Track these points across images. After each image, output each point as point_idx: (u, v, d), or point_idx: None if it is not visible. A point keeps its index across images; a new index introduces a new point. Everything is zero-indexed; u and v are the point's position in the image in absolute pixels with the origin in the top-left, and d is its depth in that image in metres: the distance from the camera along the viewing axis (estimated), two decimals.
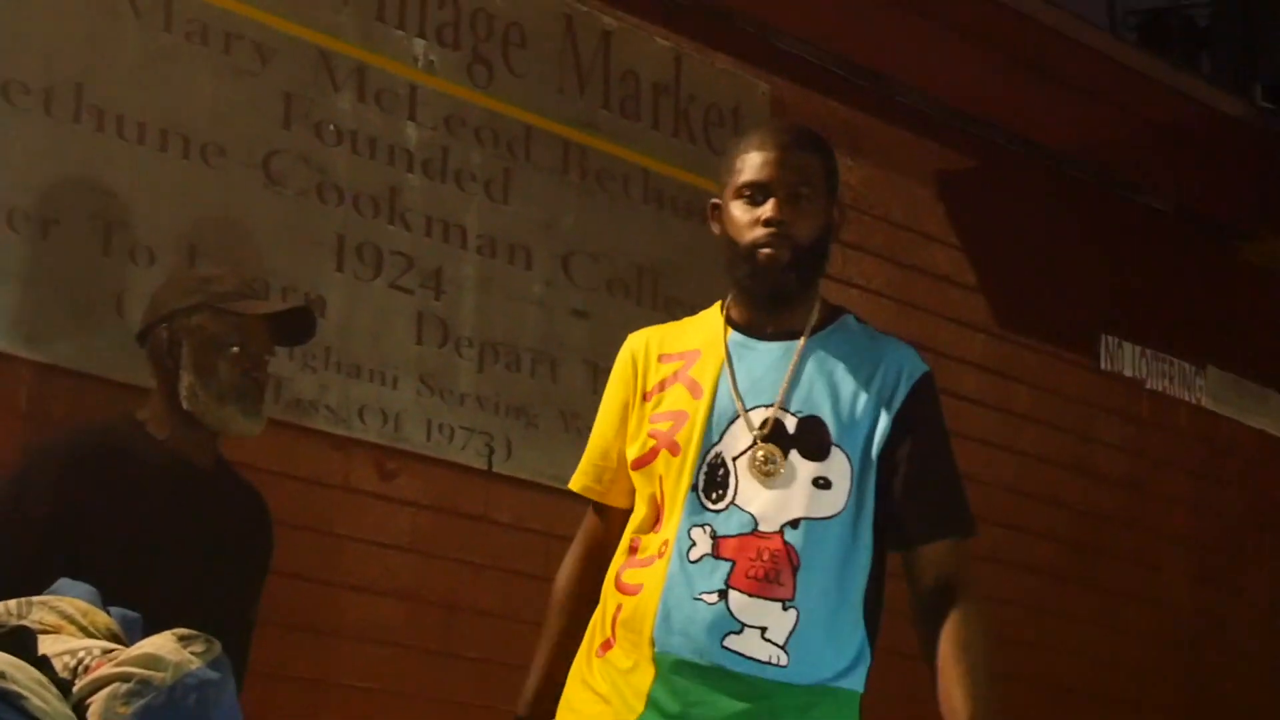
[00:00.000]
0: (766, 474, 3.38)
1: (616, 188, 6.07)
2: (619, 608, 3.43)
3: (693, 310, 3.67)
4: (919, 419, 3.47)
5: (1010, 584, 7.08)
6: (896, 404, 3.46)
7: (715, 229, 3.54)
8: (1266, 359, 8.33)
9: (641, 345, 3.59)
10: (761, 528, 3.38)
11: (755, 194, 3.45)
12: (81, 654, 2.92)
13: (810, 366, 3.46)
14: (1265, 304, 8.37)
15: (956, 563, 3.49)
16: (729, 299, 3.56)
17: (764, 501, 3.38)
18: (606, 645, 3.45)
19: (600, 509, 3.61)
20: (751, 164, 3.46)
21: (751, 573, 3.35)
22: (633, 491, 3.53)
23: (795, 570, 3.37)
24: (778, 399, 3.43)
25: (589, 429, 3.67)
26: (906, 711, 3.49)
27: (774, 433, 3.41)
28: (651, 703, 3.37)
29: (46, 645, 2.95)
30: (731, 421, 3.43)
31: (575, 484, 3.63)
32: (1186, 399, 7.99)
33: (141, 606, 3.27)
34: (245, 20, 5.28)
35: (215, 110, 5.20)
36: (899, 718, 3.75)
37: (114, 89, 5.01)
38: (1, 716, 2.70)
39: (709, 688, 3.35)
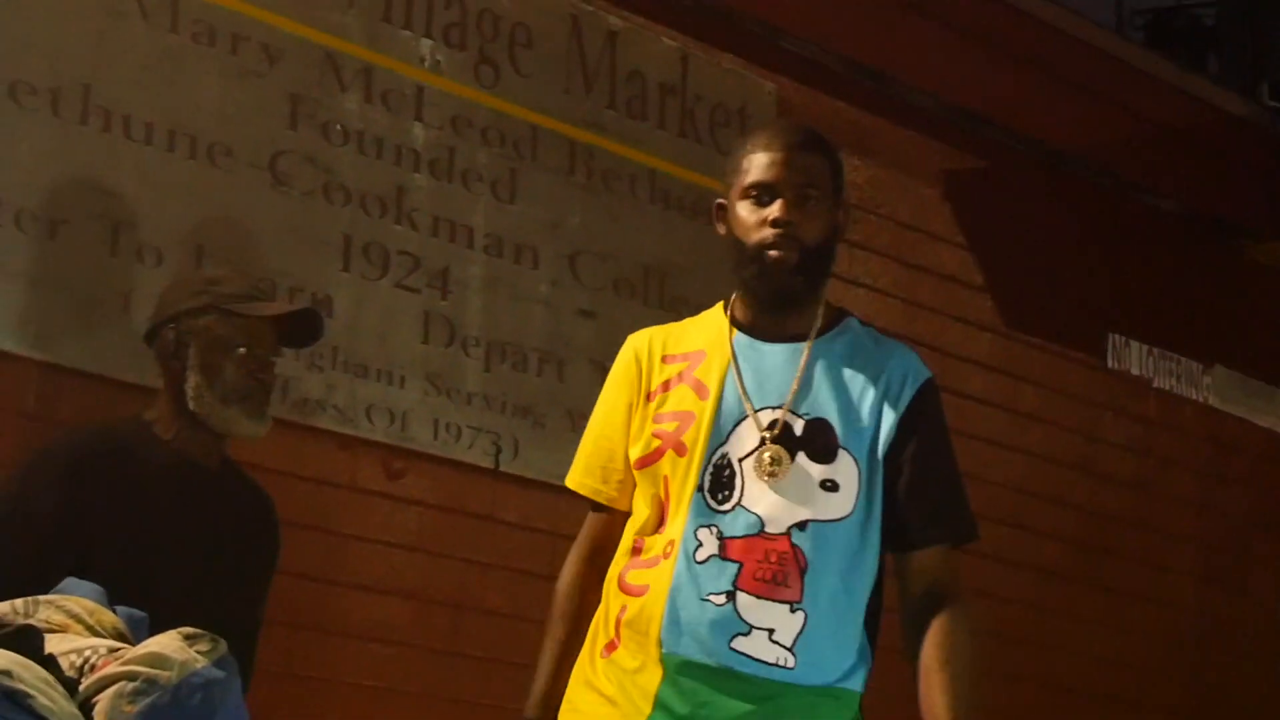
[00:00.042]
0: (772, 475, 3.38)
1: (623, 188, 6.08)
2: (623, 608, 3.42)
3: (699, 310, 3.66)
4: (922, 423, 3.47)
5: (1016, 583, 7.08)
6: (902, 406, 3.46)
7: (721, 229, 3.53)
8: (1273, 358, 8.33)
9: (644, 345, 3.58)
10: (768, 529, 3.38)
11: (762, 195, 3.44)
12: (88, 653, 2.92)
13: (817, 370, 3.46)
14: (1272, 303, 8.37)
15: (948, 569, 3.48)
16: (732, 299, 3.55)
17: (771, 503, 3.38)
18: (611, 646, 3.44)
19: (604, 510, 3.59)
20: (758, 165, 3.46)
21: (759, 574, 3.35)
22: (633, 492, 3.52)
23: (803, 572, 3.37)
24: (786, 401, 3.43)
25: None
26: (906, 711, 3.48)
27: (782, 435, 3.41)
28: (659, 704, 3.37)
29: (53, 644, 2.96)
30: (738, 422, 3.43)
31: (582, 486, 3.60)
32: (1193, 398, 7.99)
33: (148, 606, 3.28)
34: (252, 21, 5.29)
35: (222, 111, 5.21)
36: (899, 718, 3.74)
37: (121, 90, 5.02)
38: (8, 715, 2.71)
39: (717, 689, 3.35)
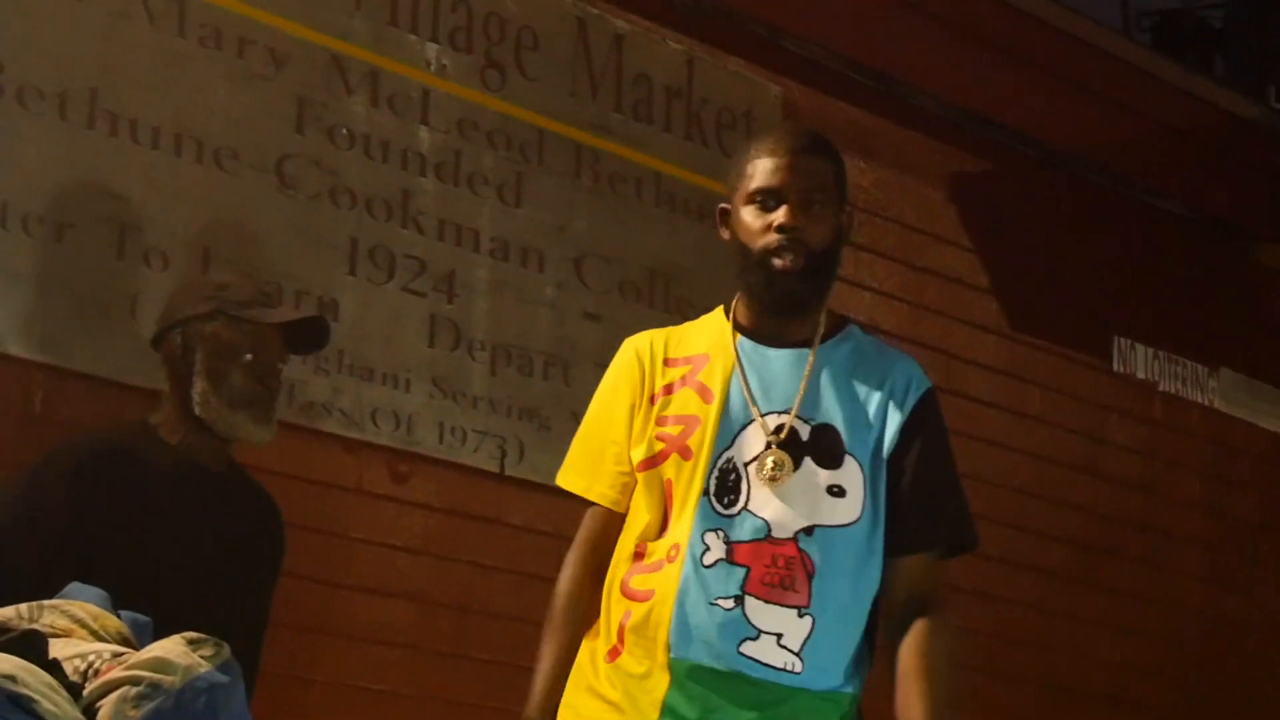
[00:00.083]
0: (773, 480, 3.39)
1: (629, 191, 6.08)
2: (627, 614, 3.42)
3: (705, 313, 3.66)
4: (925, 429, 3.48)
5: (1020, 585, 7.08)
6: (906, 411, 3.47)
7: (724, 234, 3.53)
8: (1279, 361, 8.32)
9: (646, 347, 3.57)
10: (775, 534, 3.38)
11: (767, 200, 3.44)
12: (92, 657, 2.93)
13: (823, 375, 3.47)
14: (1277, 306, 8.36)
15: (932, 577, 3.48)
16: (734, 303, 3.55)
17: (777, 508, 3.38)
18: (614, 652, 3.43)
19: (603, 511, 3.56)
20: (763, 169, 3.46)
21: (767, 579, 3.36)
22: (632, 495, 3.51)
23: (810, 577, 3.38)
24: (793, 407, 3.43)
25: None
26: None
27: (788, 440, 3.41)
28: (667, 709, 3.37)
29: (57, 649, 2.96)
30: (744, 427, 3.43)
31: (588, 490, 3.57)
32: (1199, 401, 7.99)
33: (152, 611, 3.28)
34: (258, 25, 5.30)
35: (229, 114, 5.22)
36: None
37: (128, 94, 5.03)
38: (12, 719, 2.72)
39: (726, 693, 3.35)
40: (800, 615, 3.36)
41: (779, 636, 3.36)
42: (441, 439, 5.52)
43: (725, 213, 3.54)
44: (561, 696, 3.50)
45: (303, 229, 5.32)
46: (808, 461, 3.41)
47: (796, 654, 3.36)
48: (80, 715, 2.80)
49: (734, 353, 3.49)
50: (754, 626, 3.35)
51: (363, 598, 5.35)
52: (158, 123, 5.07)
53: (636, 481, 3.49)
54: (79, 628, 3.06)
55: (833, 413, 3.45)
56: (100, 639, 3.05)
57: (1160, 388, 7.85)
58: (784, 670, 3.36)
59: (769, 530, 3.38)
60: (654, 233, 6.10)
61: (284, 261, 5.27)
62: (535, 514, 5.63)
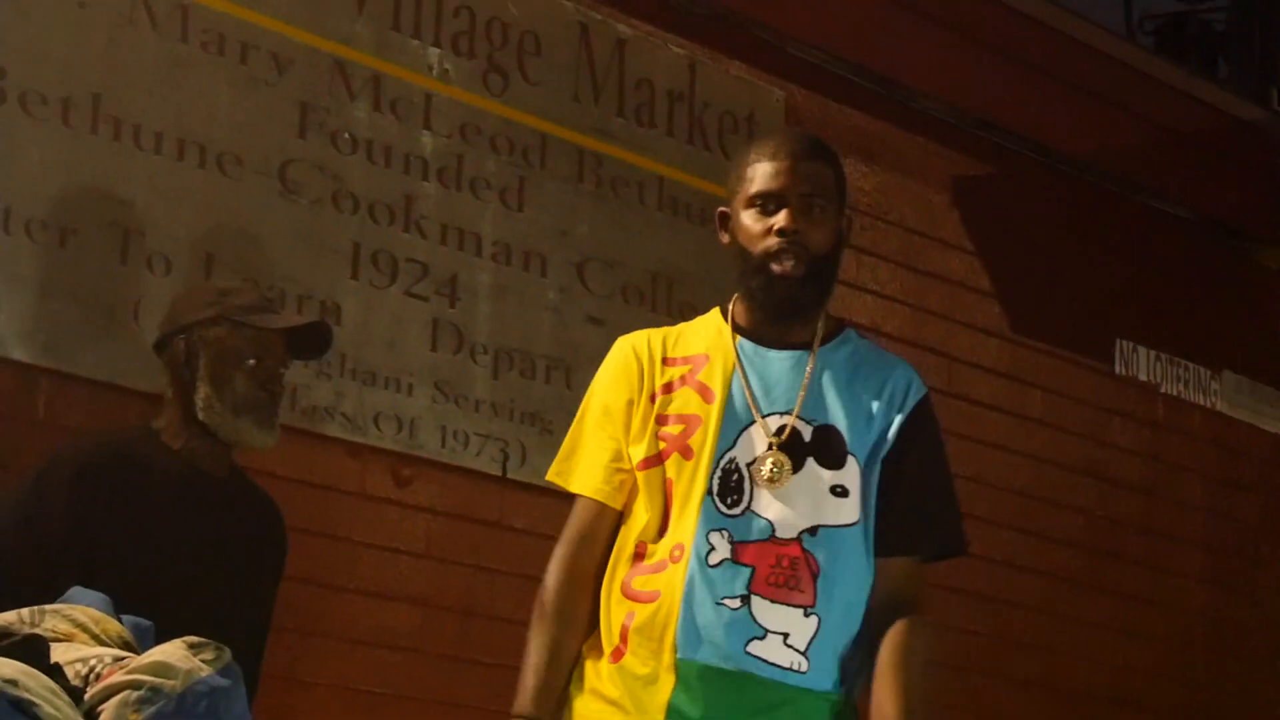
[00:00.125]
0: (771, 482, 3.40)
1: (631, 195, 6.09)
2: (630, 615, 3.42)
3: None
4: (921, 433, 3.50)
5: (1023, 588, 7.09)
6: (905, 414, 3.49)
7: (724, 238, 3.54)
8: None
9: (644, 345, 3.57)
10: (779, 534, 3.39)
11: (767, 203, 3.45)
12: (93, 662, 2.93)
13: (824, 377, 3.48)
14: None
15: (914, 581, 3.48)
16: (731, 304, 3.56)
17: (781, 508, 3.39)
18: (618, 653, 3.43)
19: (598, 507, 3.52)
20: (763, 173, 3.47)
21: (772, 579, 3.37)
22: (630, 494, 3.49)
23: (815, 577, 3.39)
24: (795, 408, 3.44)
25: None
26: None
27: (790, 441, 3.42)
28: (673, 711, 3.37)
29: (59, 653, 2.96)
30: (746, 427, 3.44)
31: (582, 485, 3.55)
32: (1202, 403, 7.99)
33: (154, 615, 3.29)
34: (261, 30, 5.31)
35: (232, 119, 5.23)
36: None
37: (131, 99, 5.04)
38: None
39: (733, 693, 3.36)
40: (806, 615, 3.38)
41: (785, 636, 3.37)
42: (444, 443, 5.53)
43: (724, 216, 3.54)
44: (553, 690, 3.45)
45: (305, 234, 5.33)
46: (810, 462, 3.42)
47: (803, 653, 3.37)
48: (81, 719, 2.81)
49: (734, 353, 3.50)
50: (761, 626, 3.36)
51: (365, 601, 5.36)
52: (161, 128, 5.08)
53: (633, 479, 3.48)
54: (80, 632, 3.06)
55: (835, 414, 3.46)
56: (102, 643, 3.06)
57: (1163, 390, 7.85)
58: (790, 670, 3.37)
59: (773, 530, 3.39)
60: (656, 237, 6.11)
61: (287, 266, 5.28)
62: (538, 517, 5.63)
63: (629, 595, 3.44)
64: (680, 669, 3.36)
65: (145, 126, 5.05)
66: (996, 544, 6.93)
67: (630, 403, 3.52)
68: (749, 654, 3.36)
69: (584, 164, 5.99)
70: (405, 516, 5.47)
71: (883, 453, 3.46)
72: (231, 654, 2.97)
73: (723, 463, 3.42)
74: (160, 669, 2.85)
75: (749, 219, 3.47)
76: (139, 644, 3.12)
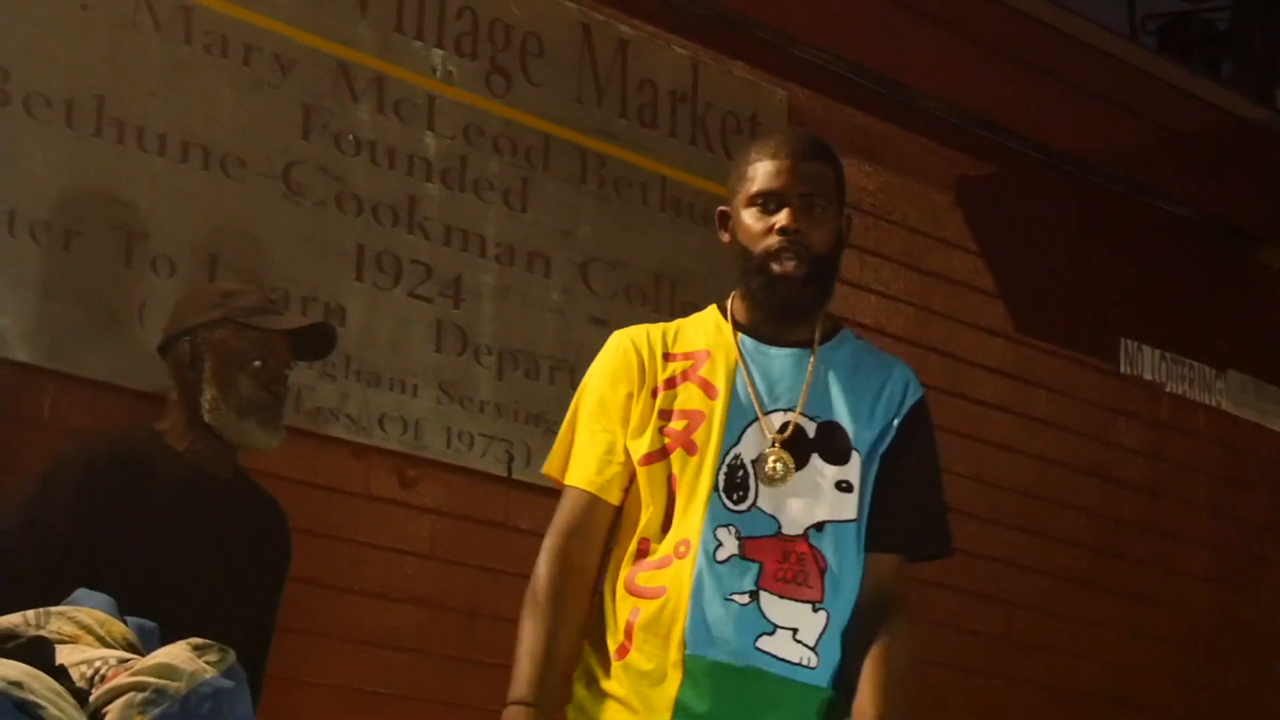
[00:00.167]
0: (772, 480, 3.40)
1: (634, 196, 6.10)
2: (634, 611, 3.40)
3: None
4: (916, 434, 3.51)
5: (1027, 587, 7.09)
6: (901, 414, 3.50)
7: (724, 237, 3.53)
8: None
9: (643, 340, 3.54)
10: (785, 530, 3.39)
11: (768, 202, 3.45)
12: (98, 663, 2.94)
13: (826, 374, 3.49)
14: None
15: (900, 578, 3.48)
16: (730, 301, 3.55)
17: (787, 504, 3.40)
18: (623, 650, 3.42)
19: (590, 499, 3.48)
20: (764, 173, 3.46)
21: (780, 575, 3.37)
22: (626, 487, 3.47)
23: (823, 572, 3.39)
24: (798, 405, 3.45)
25: None
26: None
27: (794, 437, 3.43)
28: (680, 708, 3.36)
29: (64, 655, 2.97)
30: (749, 424, 3.44)
31: (578, 480, 3.51)
32: (1206, 402, 7.99)
33: (159, 617, 3.29)
34: (264, 32, 5.32)
35: (235, 121, 5.24)
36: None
37: (135, 101, 5.05)
38: None
39: (741, 690, 3.35)
40: (815, 610, 3.38)
41: (794, 631, 3.37)
42: (449, 443, 5.54)
43: (725, 215, 3.54)
44: (550, 678, 3.41)
45: (309, 235, 5.34)
46: (815, 458, 3.43)
47: (812, 649, 3.38)
48: None
49: (736, 350, 3.50)
50: (770, 621, 3.36)
51: (370, 602, 5.37)
52: (164, 130, 5.09)
53: (628, 473, 3.46)
54: (85, 634, 3.07)
55: (839, 410, 3.46)
56: (106, 645, 3.07)
57: (1167, 389, 7.84)
58: (799, 665, 3.37)
59: (780, 526, 3.39)
60: (659, 237, 6.11)
61: (290, 268, 5.28)
62: (543, 518, 5.54)
63: (633, 591, 3.43)
64: (688, 665, 3.36)
65: (149, 128, 5.06)
66: (1000, 544, 6.93)
67: (630, 396, 3.49)
68: (758, 649, 3.36)
69: (587, 165, 5.99)
70: (410, 517, 5.48)
71: (881, 449, 3.47)
72: (235, 655, 2.98)
73: (728, 459, 3.42)
74: (165, 671, 2.86)
75: (750, 218, 3.47)
76: (144, 646, 3.13)
